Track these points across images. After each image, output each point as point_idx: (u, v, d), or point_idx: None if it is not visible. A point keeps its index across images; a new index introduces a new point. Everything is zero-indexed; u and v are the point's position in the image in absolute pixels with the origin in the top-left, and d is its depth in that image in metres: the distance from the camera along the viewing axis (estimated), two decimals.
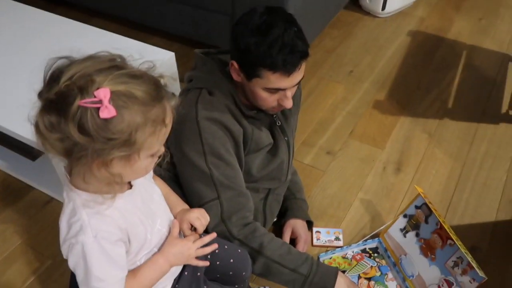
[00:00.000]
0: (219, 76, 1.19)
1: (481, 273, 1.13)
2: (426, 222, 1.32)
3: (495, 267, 1.41)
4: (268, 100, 1.14)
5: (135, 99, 0.67)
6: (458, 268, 1.20)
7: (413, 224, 1.36)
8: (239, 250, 1.14)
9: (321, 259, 1.43)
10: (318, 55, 2.35)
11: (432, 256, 1.29)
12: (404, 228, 1.39)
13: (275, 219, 1.51)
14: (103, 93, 0.64)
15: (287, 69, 1.06)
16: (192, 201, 1.17)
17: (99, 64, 0.68)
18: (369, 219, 1.59)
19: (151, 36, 2.40)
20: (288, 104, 1.14)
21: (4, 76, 1.63)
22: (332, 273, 1.22)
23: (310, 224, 1.52)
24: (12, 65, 1.67)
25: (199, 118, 1.13)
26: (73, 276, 1.14)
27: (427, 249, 1.31)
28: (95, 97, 0.63)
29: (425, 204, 1.31)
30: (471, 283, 1.16)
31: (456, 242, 1.20)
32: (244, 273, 1.14)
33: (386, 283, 1.38)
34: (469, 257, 1.17)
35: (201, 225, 0.98)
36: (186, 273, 1.00)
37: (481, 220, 1.58)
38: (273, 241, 1.21)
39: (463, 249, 1.19)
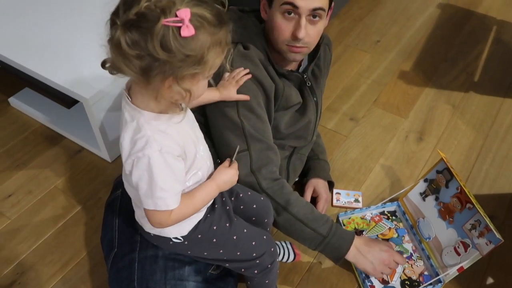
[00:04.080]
0: (254, 32, 1.21)
1: (498, 235, 1.16)
2: (447, 186, 1.35)
3: (510, 235, 1.44)
4: (284, 29, 1.13)
5: (208, 21, 0.72)
6: (476, 231, 1.24)
7: (433, 188, 1.39)
8: (262, 198, 1.19)
9: (340, 219, 1.48)
10: (346, 23, 2.35)
11: (450, 219, 1.32)
12: (424, 192, 1.43)
13: (297, 179, 1.56)
14: (185, 13, 0.69)
15: None
16: (222, 150, 1.21)
17: None
18: (389, 184, 1.62)
19: None
20: (301, 33, 1.12)
21: (40, 26, 1.68)
22: (349, 237, 1.24)
23: (331, 185, 1.56)
24: (46, 16, 1.72)
25: None
26: (106, 217, 1.21)
27: (446, 212, 1.34)
28: (176, 16, 0.69)
29: (447, 169, 1.34)
30: (487, 245, 1.20)
31: (475, 205, 1.24)
32: (266, 220, 1.19)
33: (403, 244, 1.43)
34: (487, 220, 1.20)
35: None
36: (216, 205, 1.07)
37: (499, 191, 1.61)
38: (298, 199, 1.24)
39: (482, 212, 1.22)
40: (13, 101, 1.85)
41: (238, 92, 1.15)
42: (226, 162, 1.05)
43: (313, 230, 1.22)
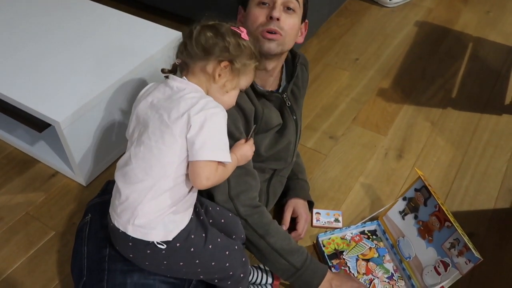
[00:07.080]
0: None
1: (477, 254, 1.15)
2: (425, 204, 1.34)
3: (491, 253, 1.43)
4: (258, 15, 1.14)
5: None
6: (455, 250, 1.22)
7: (412, 207, 1.38)
8: (230, 214, 1.18)
9: (320, 239, 1.45)
10: (325, 42, 2.36)
11: (430, 238, 1.31)
12: (403, 210, 1.41)
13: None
14: (243, 29, 1.06)
15: None
16: None
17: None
18: (369, 203, 1.61)
19: (160, 18, 2.41)
20: (275, 12, 1.13)
21: (11, 48, 1.65)
22: (322, 272, 1.23)
23: (311, 205, 1.54)
24: (17, 38, 1.69)
25: None
26: (76, 244, 1.18)
27: (425, 231, 1.33)
28: (239, 28, 1.05)
29: (425, 187, 1.33)
30: (466, 264, 1.18)
31: (453, 224, 1.22)
32: (234, 236, 1.17)
33: (383, 264, 1.40)
34: (465, 239, 1.18)
35: None
36: (192, 216, 1.07)
37: (479, 207, 1.60)
38: (277, 229, 1.22)
39: (460, 231, 1.21)
40: None
41: None
42: (242, 140, 1.13)
43: (287, 261, 1.21)
